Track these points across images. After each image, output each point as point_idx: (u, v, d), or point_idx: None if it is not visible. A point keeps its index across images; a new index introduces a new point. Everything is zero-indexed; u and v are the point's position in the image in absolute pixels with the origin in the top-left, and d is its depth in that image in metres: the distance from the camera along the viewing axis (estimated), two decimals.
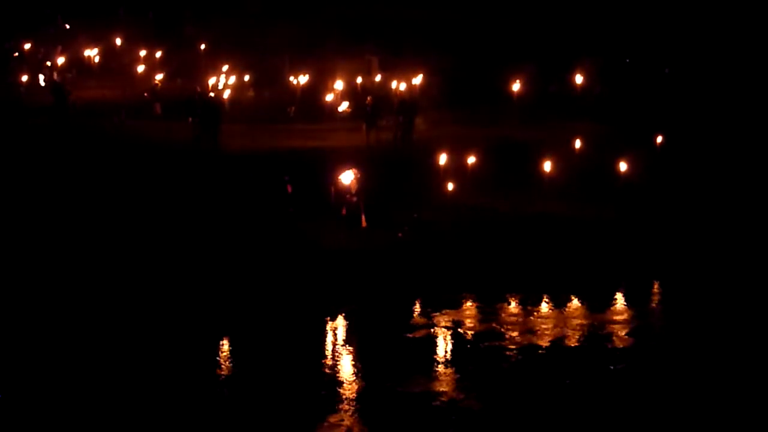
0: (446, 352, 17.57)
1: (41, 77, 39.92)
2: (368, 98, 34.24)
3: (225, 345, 17.54)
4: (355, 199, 24.11)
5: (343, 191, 24.25)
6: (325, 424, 14.48)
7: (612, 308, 19.96)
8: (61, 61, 42.95)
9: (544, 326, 18.77)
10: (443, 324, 18.78)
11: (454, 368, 16.64)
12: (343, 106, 37.22)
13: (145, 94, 37.20)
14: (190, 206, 24.73)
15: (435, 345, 17.84)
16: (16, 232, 22.70)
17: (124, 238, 22.47)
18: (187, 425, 14.46)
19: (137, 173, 27.74)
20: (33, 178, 26.85)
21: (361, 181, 24.28)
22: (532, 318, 19.29)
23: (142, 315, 18.55)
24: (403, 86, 38.57)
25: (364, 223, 24.04)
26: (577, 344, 17.84)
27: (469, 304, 20.00)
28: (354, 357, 17.13)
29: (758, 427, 14.68)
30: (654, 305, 20.55)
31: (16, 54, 44.86)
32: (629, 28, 46.48)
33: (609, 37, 45.48)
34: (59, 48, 45.02)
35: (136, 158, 29.47)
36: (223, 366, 16.70)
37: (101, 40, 47.39)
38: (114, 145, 31.09)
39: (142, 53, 45.50)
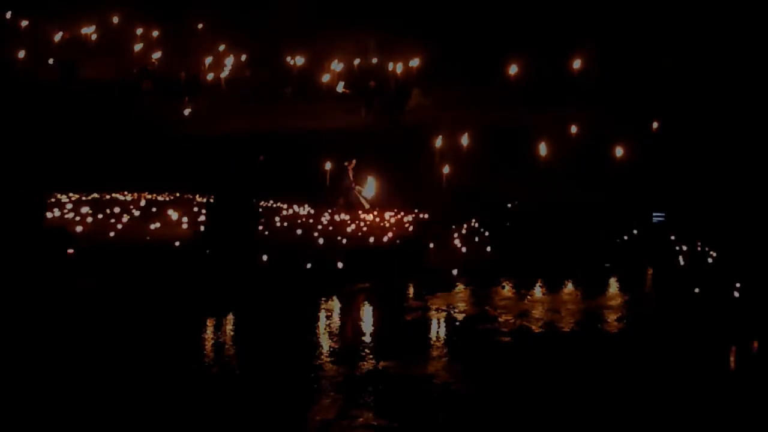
0: (439, 334, 17.58)
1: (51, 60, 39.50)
2: (371, 82, 34.33)
3: (216, 327, 17.53)
4: (353, 186, 24.81)
5: (343, 187, 24.83)
6: (318, 406, 14.47)
7: (606, 294, 20.01)
8: (58, 37, 42.67)
9: (537, 310, 18.81)
10: (436, 307, 18.80)
11: (447, 350, 16.64)
12: (340, 87, 37.20)
13: (135, 71, 36.99)
14: (184, 191, 24.64)
15: (428, 327, 17.85)
16: None
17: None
18: (184, 420, 14.41)
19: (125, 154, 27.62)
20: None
21: (356, 167, 24.58)
22: (525, 302, 19.34)
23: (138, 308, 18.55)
24: (399, 68, 38.53)
25: (367, 207, 24.72)
26: (570, 329, 17.87)
27: (462, 287, 20.03)
28: (346, 339, 17.12)
29: (754, 422, 14.69)
30: (647, 292, 20.62)
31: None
32: (629, 13, 46.35)
33: (608, 23, 45.35)
34: (57, 26, 44.72)
35: (126, 138, 29.40)
36: (214, 348, 16.67)
37: (98, 17, 47.11)
38: (106, 123, 30.98)
39: (139, 31, 45.30)
